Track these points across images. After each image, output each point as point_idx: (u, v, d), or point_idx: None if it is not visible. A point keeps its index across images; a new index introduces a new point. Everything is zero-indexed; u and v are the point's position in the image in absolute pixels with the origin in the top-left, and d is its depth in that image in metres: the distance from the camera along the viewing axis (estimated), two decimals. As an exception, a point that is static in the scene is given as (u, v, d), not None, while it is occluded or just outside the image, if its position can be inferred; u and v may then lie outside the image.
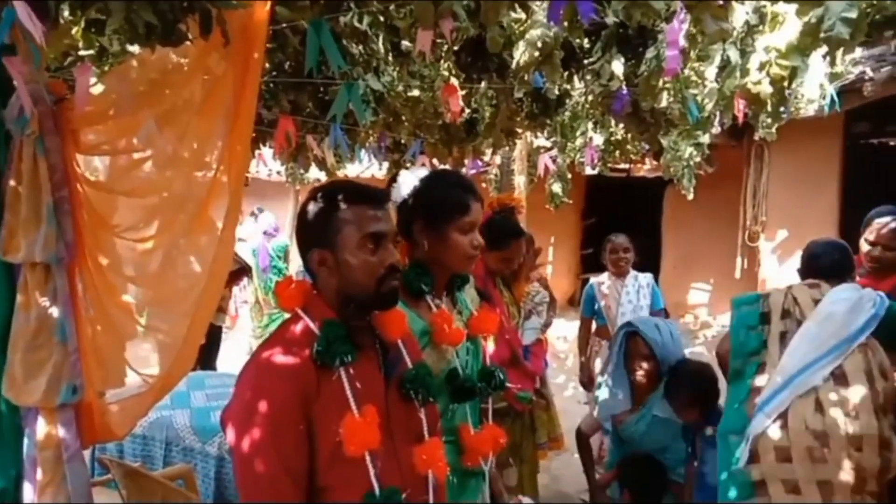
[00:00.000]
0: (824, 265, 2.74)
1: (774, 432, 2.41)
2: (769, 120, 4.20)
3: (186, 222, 2.14)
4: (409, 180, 1.94)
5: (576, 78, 3.60)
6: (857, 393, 2.37)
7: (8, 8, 1.59)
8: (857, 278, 2.99)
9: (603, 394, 3.23)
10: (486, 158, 7.13)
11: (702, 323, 9.24)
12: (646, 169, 9.43)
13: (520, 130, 4.98)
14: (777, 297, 2.62)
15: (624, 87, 3.31)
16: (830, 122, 6.82)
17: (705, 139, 5.91)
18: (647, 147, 6.06)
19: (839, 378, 2.40)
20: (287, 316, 1.52)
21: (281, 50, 2.93)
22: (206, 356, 5.45)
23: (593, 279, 4.79)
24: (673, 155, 6.35)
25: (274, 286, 7.96)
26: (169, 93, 2.07)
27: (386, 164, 5.64)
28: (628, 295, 4.49)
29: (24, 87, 1.77)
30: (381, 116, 3.95)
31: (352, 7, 2.73)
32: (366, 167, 8.49)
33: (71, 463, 1.95)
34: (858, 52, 5.62)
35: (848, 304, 2.46)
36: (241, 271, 5.92)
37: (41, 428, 1.93)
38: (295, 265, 9.22)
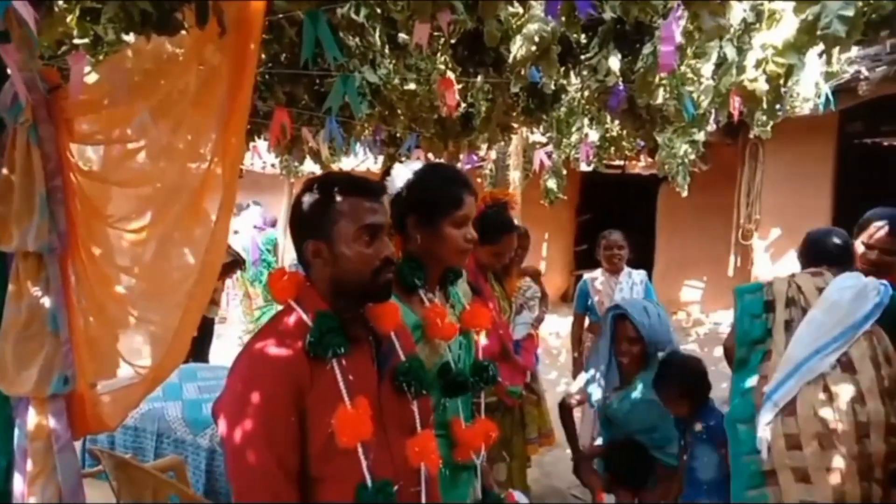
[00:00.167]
0: (827, 251, 2.73)
1: (784, 420, 2.42)
2: (764, 118, 4.21)
3: (180, 213, 2.13)
4: (403, 174, 1.94)
5: (572, 73, 3.60)
6: (864, 379, 2.39)
7: (1, -5, 1.57)
8: None
9: (592, 374, 3.25)
10: (482, 153, 7.12)
11: (694, 320, 9.27)
12: (640, 166, 9.45)
13: (515, 125, 4.98)
14: (780, 286, 2.63)
15: (620, 83, 3.31)
16: (825, 121, 6.85)
17: (700, 136, 5.92)
18: (642, 144, 6.08)
19: (846, 365, 2.42)
20: (277, 309, 1.52)
21: (277, 41, 2.92)
22: (199, 348, 5.43)
23: (587, 275, 4.80)
24: (668, 152, 6.37)
25: (267, 279, 7.94)
26: (164, 83, 2.05)
27: (381, 158, 5.63)
28: (622, 291, 4.50)
29: (17, 74, 1.75)
30: (376, 109, 3.94)
31: (348, -1, 2.72)
32: (361, 160, 8.47)
33: (61, 454, 1.94)
34: (854, 52, 5.64)
35: (853, 292, 2.48)
36: (235, 263, 5.90)
37: (32, 418, 1.93)
38: (287, 259, 9.23)
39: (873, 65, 6.05)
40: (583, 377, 3.38)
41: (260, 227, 8.14)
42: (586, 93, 4.03)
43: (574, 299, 4.92)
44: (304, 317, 1.43)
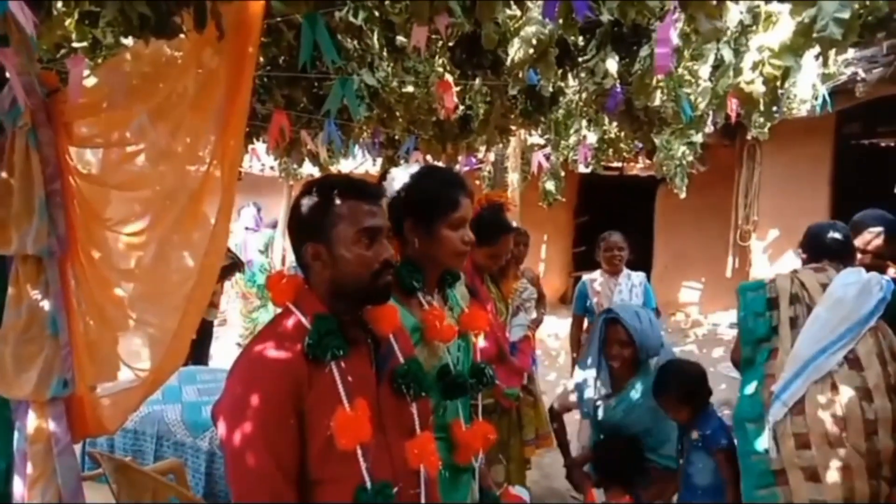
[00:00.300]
0: (828, 245, 2.72)
1: (793, 420, 2.43)
2: (762, 119, 4.22)
3: (179, 216, 2.14)
4: (400, 177, 1.94)
5: (570, 76, 3.61)
6: (871, 376, 2.40)
7: (0, -1, 1.58)
8: None
9: (583, 377, 3.26)
10: (480, 155, 7.15)
11: (693, 321, 9.28)
12: (639, 167, 9.47)
13: (514, 128, 4.99)
14: (783, 282, 2.63)
15: (618, 85, 3.32)
16: (822, 122, 6.87)
17: (698, 138, 5.94)
18: (640, 146, 6.10)
19: (853, 362, 2.43)
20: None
21: (275, 44, 2.92)
22: (198, 351, 5.43)
23: (586, 276, 4.80)
24: (666, 154, 6.38)
25: (265, 281, 8.00)
26: (162, 86, 2.06)
27: (380, 160, 5.64)
28: (621, 293, 4.50)
29: (16, 78, 1.76)
30: (375, 112, 3.95)
31: (347, 2, 2.73)
32: (359, 163, 8.48)
33: (61, 457, 1.95)
34: (850, 53, 5.65)
35: (857, 288, 2.48)
36: (234, 266, 5.90)
37: (31, 421, 1.93)
38: (287, 261, 9.25)
39: (870, 66, 6.07)
40: (572, 382, 3.38)
41: (253, 229, 8.18)
42: (584, 95, 4.04)
43: (573, 301, 4.92)
44: (303, 319, 1.43)
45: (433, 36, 3.01)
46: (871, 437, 2.37)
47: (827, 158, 7.61)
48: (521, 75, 3.29)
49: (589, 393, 3.19)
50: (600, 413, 3.14)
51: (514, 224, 3.43)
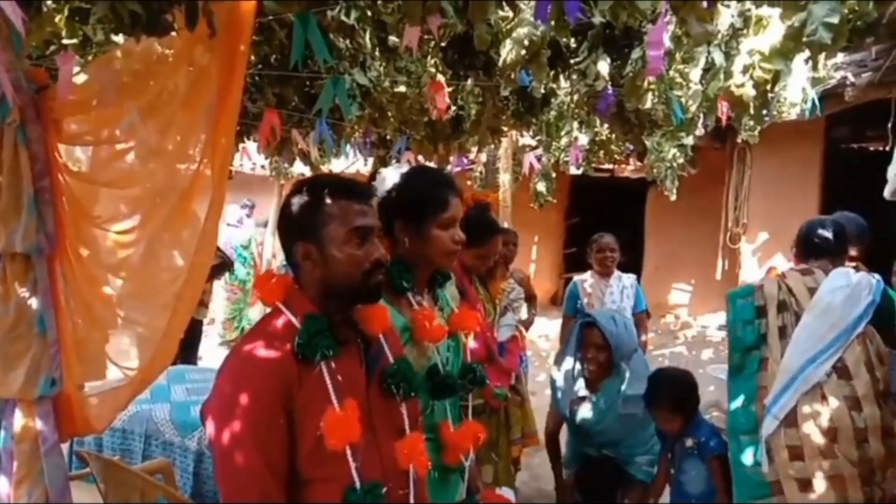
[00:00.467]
0: (818, 245, 2.72)
1: (786, 432, 2.46)
2: (752, 123, 4.24)
3: (169, 215, 2.13)
4: (390, 177, 1.94)
5: (562, 77, 3.62)
6: (860, 385, 2.42)
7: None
8: None
9: (559, 381, 3.28)
10: (472, 156, 7.14)
11: (682, 323, 9.31)
12: (629, 169, 9.50)
13: (505, 129, 4.99)
14: (771, 289, 2.63)
15: (609, 87, 3.33)
16: (812, 126, 6.91)
17: (689, 141, 5.96)
18: (631, 147, 6.11)
19: (841, 371, 2.45)
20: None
21: (267, 43, 2.92)
22: (187, 350, 5.41)
23: (577, 277, 4.81)
24: (657, 156, 6.42)
25: (253, 278, 8.18)
26: (153, 84, 2.05)
27: (371, 160, 5.63)
28: (612, 295, 4.51)
29: (5, 74, 1.74)
30: (366, 112, 3.94)
31: (339, 1, 2.72)
32: (351, 162, 8.47)
33: (48, 456, 1.94)
34: (840, 58, 5.70)
35: (844, 294, 2.48)
36: (223, 265, 5.88)
37: (18, 420, 1.92)
38: (278, 260, 9.26)
39: (859, 70, 6.11)
40: (555, 386, 3.41)
41: (234, 225, 8.24)
42: (576, 96, 4.05)
43: (563, 301, 4.93)
44: (293, 319, 1.42)
45: (425, 36, 3.01)
46: (862, 445, 2.40)
47: (816, 162, 7.66)
48: (513, 76, 3.29)
49: (563, 394, 3.23)
50: (575, 414, 3.18)
51: (505, 225, 3.44)
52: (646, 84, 3.22)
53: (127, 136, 2.09)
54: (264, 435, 1.33)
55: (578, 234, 9.32)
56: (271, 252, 10.24)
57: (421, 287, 1.95)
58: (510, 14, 3.04)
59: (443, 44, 3.37)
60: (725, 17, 2.93)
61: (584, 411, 3.13)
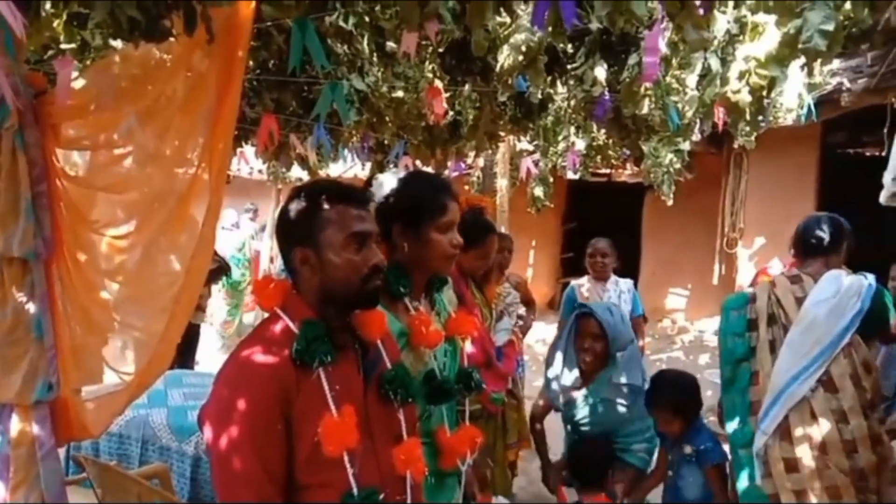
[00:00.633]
0: (811, 245, 2.71)
1: (781, 445, 2.50)
2: (748, 128, 4.26)
3: (166, 219, 2.13)
4: (388, 182, 1.95)
5: (559, 83, 3.63)
6: (845, 398, 2.45)
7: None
8: None
9: (553, 372, 3.28)
10: (469, 161, 7.15)
11: (679, 328, 9.32)
12: (626, 174, 9.52)
13: (503, 134, 5.01)
14: (762, 302, 2.65)
15: (606, 92, 3.34)
16: (808, 131, 6.94)
17: (685, 146, 5.99)
18: (627, 153, 6.12)
19: (827, 384, 2.48)
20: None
21: (265, 48, 2.92)
22: (184, 355, 5.41)
23: (574, 282, 4.82)
24: (653, 161, 6.43)
25: (247, 280, 8.23)
26: (151, 89, 2.05)
27: (369, 165, 5.64)
28: (609, 300, 4.52)
29: (4, 79, 1.75)
30: (364, 117, 3.95)
31: (337, 7, 2.73)
32: (349, 167, 8.49)
33: (45, 461, 1.93)
34: (836, 64, 5.72)
35: (829, 307, 2.49)
36: (220, 270, 5.88)
37: (15, 425, 1.91)
38: (275, 265, 9.27)
39: (855, 76, 6.14)
40: (548, 378, 3.40)
41: (229, 229, 8.31)
42: (573, 102, 4.06)
43: (560, 306, 4.94)
44: (291, 325, 1.43)
45: (423, 42, 3.02)
46: (853, 456, 2.44)
47: (812, 167, 7.68)
48: (510, 82, 3.30)
49: (557, 386, 3.22)
50: (570, 407, 3.17)
51: (502, 230, 3.44)
52: (642, 90, 3.24)
53: (125, 140, 2.09)
54: (262, 440, 1.33)
55: (576, 239, 9.33)
56: (269, 256, 10.25)
57: (418, 292, 1.95)
58: (507, 20, 3.05)
59: (440, 49, 3.38)
60: (721, 24, 2.94)
61: (577, 403, 3.13)
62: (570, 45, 3.27)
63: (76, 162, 2.12)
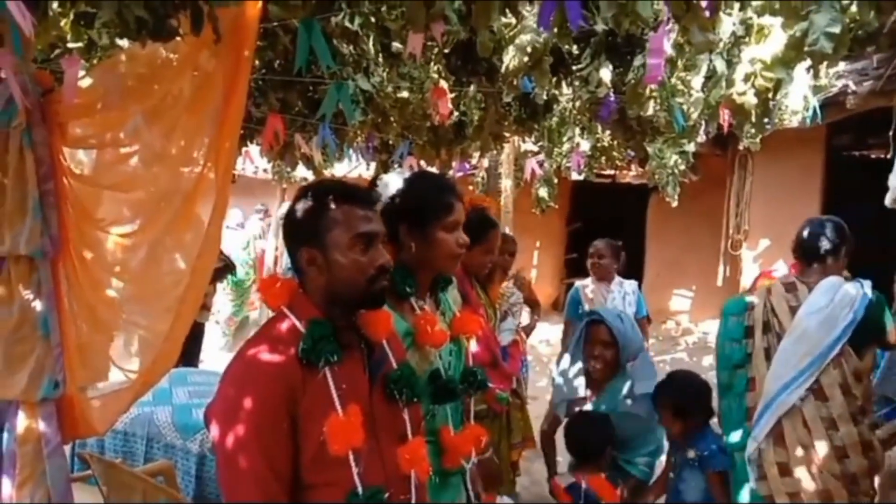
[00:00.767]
0: (809, 250, 2.71)
1: (775, 450, 2.56)
2: (753, 130, 4.25)
3: (172, 218, 2.13)
4: (394, 182, 1.96)
5: (564, 84, 3.63)
6: (835, 406, 2.50)
7: (-3, -1, 1.58)
8: None
9: (560, 380, 3.26)
10: (474, 161, 7.15)
11: (683, 329, 9.31)
12: (631, 175, 9.51)
13: (507, 134, 5.01)
14: (758, 310, 2.69)
15: (611, 94, 3.34)
16: (813, 133, 6.92)
17: (690, 147, 5.98)
18: (632, 154, 6.11)
19: (818, 393, 2.52)
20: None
21: (271, 48, 2.93)
22: (189, 353, 5.42)
23: (578, 283, 4.81)
24: (658, 162, 6.43)
25: (251, 278, 8.26)
26: (158, 88, 2.06)
27: (373, 164, 5.65)
28: (613, 301, 4.51)
29: (13, 77, 1.76)
30: (369, 117, 3.95)
31: (343, 7, 2.74)
32: (353, 167, 8.49)
33: (51, 458, 1.94)
34: (841, 66, 5.71)
35: (820, 318, 2.52)
36: (226, 268, 5.89)
37: (21, 422, 1.92)
38: (280, 264, 9.30)
39: (861, 79, 6.13)
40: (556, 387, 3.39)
41: (234, 228, 8.35)
42: (578, 103, 4.06)
43: (565, 307, 4.93)
44: (297, 324, 1.43)
45: (429, 43, 3.03)
46: (843, 461, 2.49)
47: (818, 169, 7.67)
48: (515, 83, 3.30)
49: (565, 394, 3.20)
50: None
51: (506, 230, 3.45)
52: (647, 91, 3.23)
53: (131, 139, 2.09)
54: (268, 439, 1.34)
55: (580, 240, 9.32)
56: (273, 256, 10.26)
57: (423, 292, 1.96)
58: (513, 21, 3.06)
59: (446, 50, 3.38)
60: (727, 26, 2.94)
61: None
62: (575, 47, 3.27)
63: (82, 160, 2.13)
